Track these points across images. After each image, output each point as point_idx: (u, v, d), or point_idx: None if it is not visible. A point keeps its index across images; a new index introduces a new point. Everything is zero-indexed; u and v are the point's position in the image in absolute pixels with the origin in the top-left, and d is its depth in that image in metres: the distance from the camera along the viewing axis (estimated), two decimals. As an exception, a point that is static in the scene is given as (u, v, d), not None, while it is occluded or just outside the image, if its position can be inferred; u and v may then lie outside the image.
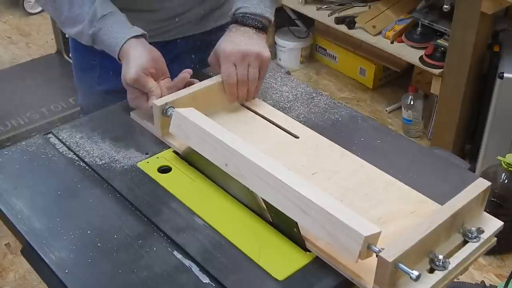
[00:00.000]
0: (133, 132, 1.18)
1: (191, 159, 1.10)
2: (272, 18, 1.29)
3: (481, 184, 0.94)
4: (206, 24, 1.40)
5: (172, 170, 1.09)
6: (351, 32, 2.74)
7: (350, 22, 2.73)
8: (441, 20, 2.50)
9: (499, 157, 1.99)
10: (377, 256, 0.81)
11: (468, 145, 2.55)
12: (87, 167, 1.09)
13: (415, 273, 0.79)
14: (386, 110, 2.93)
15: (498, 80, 2.18)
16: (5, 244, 2.21)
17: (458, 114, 2.41)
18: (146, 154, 1.13)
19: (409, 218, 0.96)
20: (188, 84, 1.18)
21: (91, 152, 1.13)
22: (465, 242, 0.92)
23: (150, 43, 1.19)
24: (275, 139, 1.15)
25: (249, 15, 1.24)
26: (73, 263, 0.90)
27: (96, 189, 1.05)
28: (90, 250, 0.92)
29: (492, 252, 2.13)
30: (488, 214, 0.97)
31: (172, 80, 1.18)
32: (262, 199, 0.95)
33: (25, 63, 3.14)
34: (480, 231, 0.92)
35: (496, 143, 2.29)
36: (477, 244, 0.91)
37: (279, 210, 0.92)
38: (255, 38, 1.22)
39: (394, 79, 3.11)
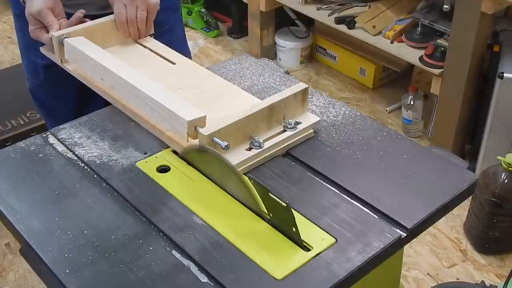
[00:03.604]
0: (132, 132, 1.18)
1: (190, 159, 1.10)
2: None
3: (298, 86, 1.16)
4: None
5: (171, 170, 1.09)
6: (351, 32, 2.74)
7: (350, 22, 2.73)
8: (441, 20, 2.49)
9: (499, 157, 1.98)
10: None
11: (468, 145, 2.55)
12: (86, 167, 1.10)
13: (224, 143, 1.03)
14: (386, 110, 2.92)
15: (498, 80, 2.18)
16: (5, 244, 2.20)
17: (458, 114, 2.41)
18: (145, 153, 1.13)
19: None
20: (81, 23, 1.35)
21: (90, 152, 1.13)
22: (284, 132, 1.14)
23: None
24: (155, 65, 1.34)
25: None
26: (72, 263, 0.90)
27: (95, 189, 1.05)
28: (89, 250, 0.92)
29: (492, 252, 2.13)
30: (310, 113, 1.18)
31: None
32: (261, 199, 0.95)
33: (25, 63, 3.13)
34: (297, 123, 1.14)
35: (496, 143, 2.29)
36: (292, 132, 1.13)
37: (278, 210, 0.92)
38: None
39: (394, 79, 3.10)
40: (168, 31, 1.54)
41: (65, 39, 1.29)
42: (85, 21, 1.36)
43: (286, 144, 1.13)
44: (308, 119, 1.16)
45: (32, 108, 2.55)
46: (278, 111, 1.12)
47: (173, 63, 1.34)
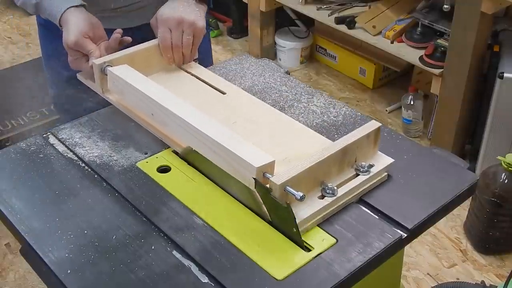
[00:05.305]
0: (133, 132, 1.18)
1: (191, 159, 1.10)
2: None
3: (371, 125, 1.05)
4: None
5: (171, 170, 1.09)
6: (351, 32, 2.74)
7: (350, 22, 2.73)
8: (441, 20, 2.50)
9: (499, 157, 1.98)
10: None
11: (468, 145, 2.55)
12: (86, 167, 1.09)
13: (299, 194, 0.90)
14: (386, 110, 2.92)
15: (498, 80, 2.18)
16: (5, 244, 2.21)
17: (458, 114, 2.41)
18: (146, 154, 1.13)
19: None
20: (121, 43, 1.28)
21: (90, 152, 1.13)
22: (357, 176, 1.03)
23: (113, 30, 1.27)
24: (204, 94, 1.26)
25: None
26: (72, 263, 0.90)
27: (95, 189, 1.05)
28: (89, 250, 0.92)
29: (492, 252, 2.13)
30: (382, 153, 1.08)
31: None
32: (261, 199, 0.95)
33: (25, 63, 3.14)
34: (370, 166, 1.04)
35: (496, 143, 2.29)
36: (367, 177, 1.02)
37: (279, 211, 0.92)
38: (193, 7, 1.29)
39: (394, 79, 3.10)
40: None
41: (109, 68, 1.20)
42: (125, 40, 1.29)
43: (360, 190, 1.02)
44: (381, 161, 1.06)
45: (32, 108, 2.56)
46: (350, 153, 1.01)
47: (223, 93, 1.26)
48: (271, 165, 0.95)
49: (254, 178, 0.93)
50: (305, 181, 0.95)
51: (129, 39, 1.30)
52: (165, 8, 1.29)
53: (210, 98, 1.24)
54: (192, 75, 1.31)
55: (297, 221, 0.92)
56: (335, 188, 0.98)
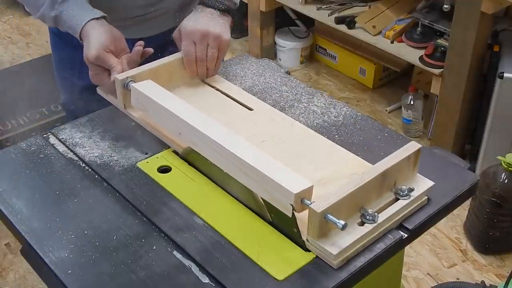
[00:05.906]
0: (133, 132, 1.18)
1: (191, 159, 1.10)
2: (238, 2, 1.33)
3: (411, 147, 1.01)
4: (183, 17, 1.36)
5: (171, 170, 1.09)
6: (351, 32, 2.74)
7: (350, 22, 2.73)
8: (441, 20, 2.50)
9: (499, 157, 1.98)
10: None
11: (468, 145, 2.55)
12: (86, 167, 1.09)
13: (341, 222, 0.86)
14: (386, 110, 2.92)
15: (498, 80, 2.18)
16: (5, 244, 2.20)
17: (458, 114, 2.41)
18: (146, 154, 1.13)
19: (348, 179, 0.97)
20: (143, 54, 1.25)
21: (91, 152, 1.13)
22: (397, 200, 0.99)
23: (129, 39, 1.24)
24: (231, 111, 1.22)
25: None
26: (73, 263, 0.90)
27: (95, 189, 1.05)
28: (90, 250, 0.92)
29: (492, 252, 2.13)
30: (421, 176, 1.04)
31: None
32: (262, 199, 0.95)
33: (25, 63, 3.13)
34: (410, 189, 0.99)
35: (496, 143, 2.29)
36: (407, 201, 0.98)
37: (279, 211, 0.92)
38: (217, 19, 1.27)
39: (394, 79, 3.10)
40: None
41: (132, 84, 1.16)
42: (146, 52, 1.25)
43: (400, 215, 0.97)
44: (421, 184, 1.02)
45: (32, 108, 2.55)
46: (390, 176, 0.97)
47: (250, 109, 1.22)
48: (309, 190, 0.89)
49: (291, 205, 0.89)
50: (345, 207, 0.90)
51: (150, 50, 1.26)
52: (188, 20, 1.26)
53: (236, 114, 1.21)
54: (217, 89, 1.28)
55: (337, 250, 0.89)
56: (376, 214, 0.94)
